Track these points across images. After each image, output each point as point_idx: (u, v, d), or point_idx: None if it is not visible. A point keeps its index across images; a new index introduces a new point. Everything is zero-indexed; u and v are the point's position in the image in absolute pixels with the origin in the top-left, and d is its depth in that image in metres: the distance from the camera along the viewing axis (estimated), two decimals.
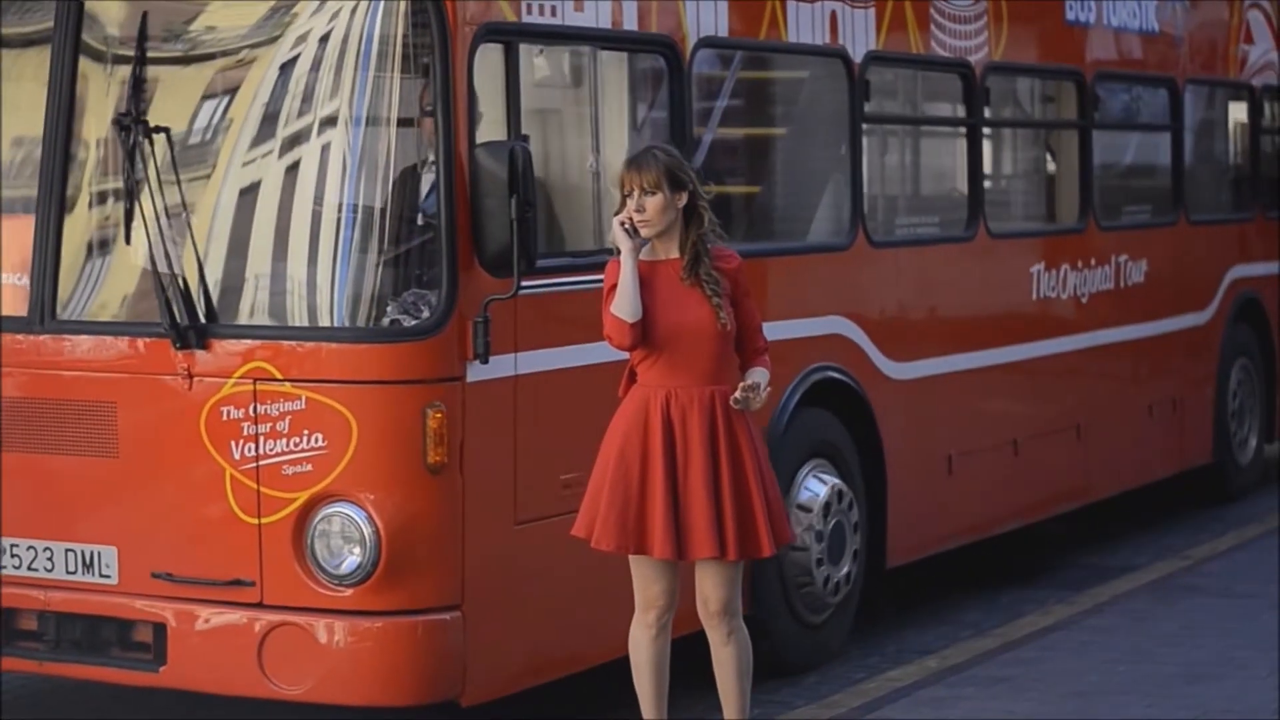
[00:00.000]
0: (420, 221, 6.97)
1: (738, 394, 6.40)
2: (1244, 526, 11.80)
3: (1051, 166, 11.49)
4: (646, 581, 6.55)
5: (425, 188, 6.98)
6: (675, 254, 6.49)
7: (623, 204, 6.47)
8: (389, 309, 6.90)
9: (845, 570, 8.79)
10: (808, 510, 8.58)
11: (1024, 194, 11.61)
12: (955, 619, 9.80)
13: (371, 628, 6.86)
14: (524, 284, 6.89)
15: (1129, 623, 9.24)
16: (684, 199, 6.45)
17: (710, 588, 6.53)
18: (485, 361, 6.94)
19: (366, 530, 6.83)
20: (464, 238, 6.88)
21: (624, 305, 6.38)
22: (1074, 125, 11.06)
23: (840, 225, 9.07)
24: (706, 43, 8.15)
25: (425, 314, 6.86)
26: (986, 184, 10.26)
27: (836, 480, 8.71)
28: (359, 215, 6.93)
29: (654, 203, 6.41)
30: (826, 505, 8.64)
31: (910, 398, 9.35)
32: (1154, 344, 11.65)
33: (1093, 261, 10.92)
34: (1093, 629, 9.12)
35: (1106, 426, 11.04)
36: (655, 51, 7.95)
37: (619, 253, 6.45)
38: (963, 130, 10.09)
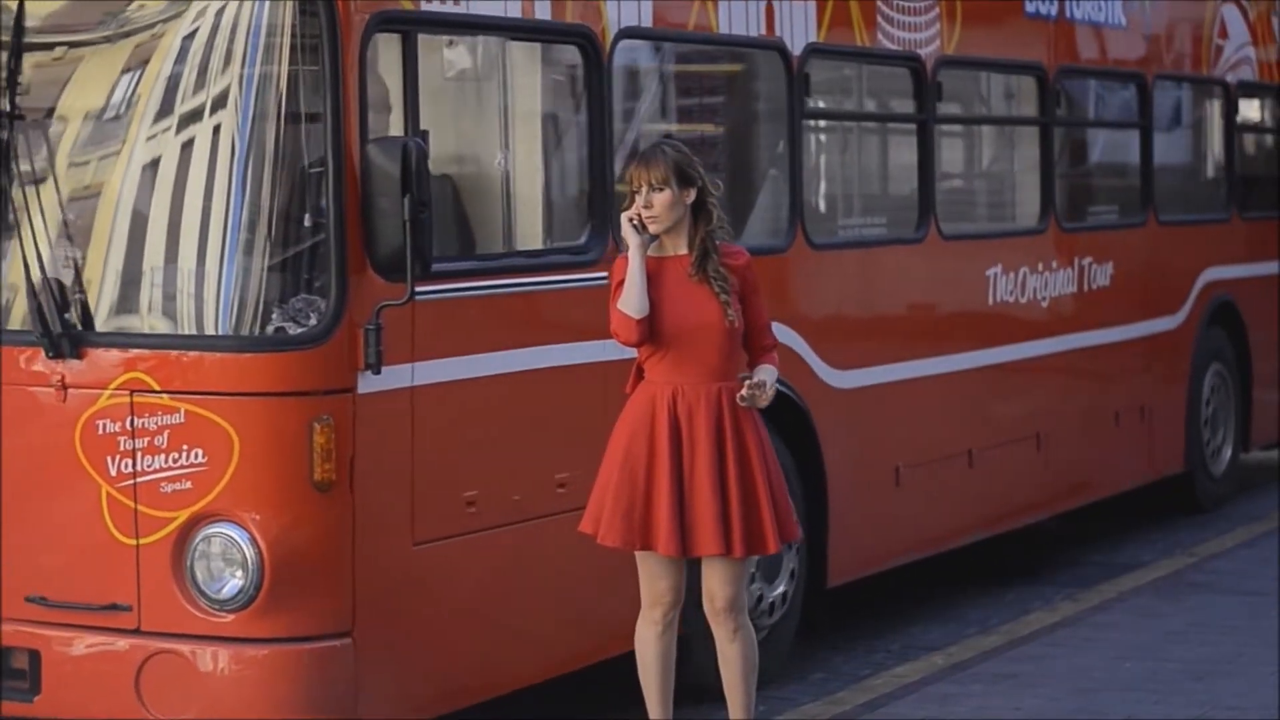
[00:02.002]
0: (308, 223, 6.58)
1: (744, 391, 6.33)
2: (1250, 524, 11.66)
3: (1011, 165, 11.08)
4: (652, 578, 6.49)
5: (314, 187, 6.58)
6: (683, 250, 6.45)
7: (631, 200, 6.41)
8: (274, 316, 6.53)
9: (781, 589, 8.40)
10: None
11: (980, 193, 11.20)
12: (961, 616, 9.73)
13: (255, 656, 6.49)
14: (422, 289, 6.55)
15: (1135, 620, 9.18)
16: (692, 195, 6.42)
17: (716, 585, 6.48)
18: (378, 372, 6.57)
19: (249, 552, 6.46)
20: (355, 240, 6.52)
21: (631, 301, 6.32)
22: (1034, 122, 10.65)
23: (778, 226, 8.69)
24: (628, 33, 7.74)
25: (313, 321, 6.50)
26: (939, 183, 9.82)
27: None
28: (244, 217, 6.57)
29: (662, 199, 6.37)
30: None
31: (854, 408, 8.95)
32: (1120, 350, 11.25)
33: (1054, 264, 10.53)
34: (1099, 626, 9.06)
35: (1069, 436, 10.66)
36: (572, 43, 7.54)
37: (626, 249, 6.35)
38: (912, 127, 9.66)
